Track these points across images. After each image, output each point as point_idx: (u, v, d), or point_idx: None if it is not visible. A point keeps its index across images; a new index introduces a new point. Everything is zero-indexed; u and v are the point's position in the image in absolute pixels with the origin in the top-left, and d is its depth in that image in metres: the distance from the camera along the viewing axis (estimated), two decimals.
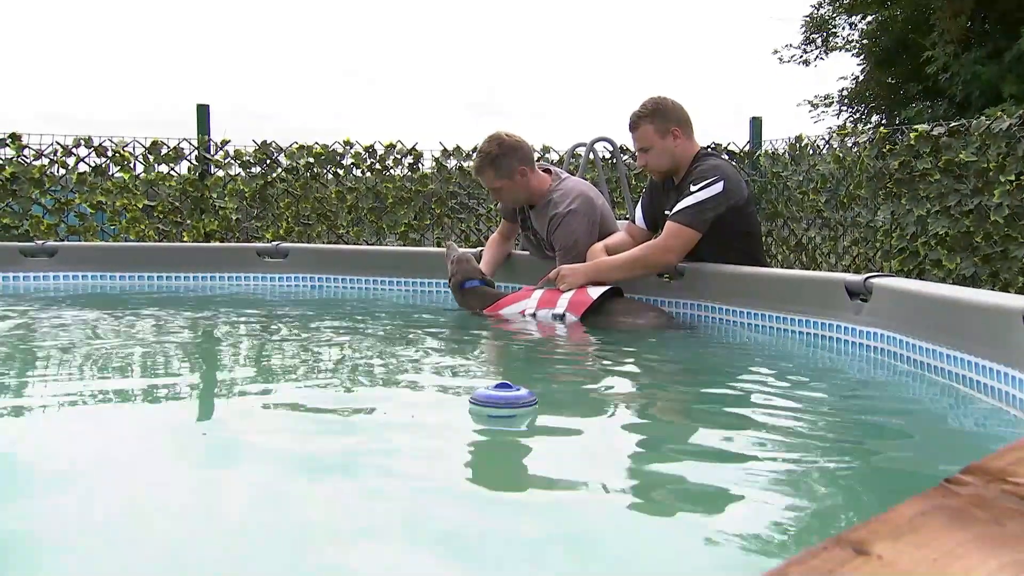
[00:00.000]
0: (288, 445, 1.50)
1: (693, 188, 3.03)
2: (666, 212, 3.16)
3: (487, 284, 3.38)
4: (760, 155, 6.87)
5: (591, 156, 5.31)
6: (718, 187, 3.02)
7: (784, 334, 2.74)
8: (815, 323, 2.66)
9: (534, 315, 3.09)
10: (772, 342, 2.73)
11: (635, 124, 3.20)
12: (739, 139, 6.96)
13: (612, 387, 2.12)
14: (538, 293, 3.14)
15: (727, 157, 6.07)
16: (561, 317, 3.01)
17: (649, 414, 1.87)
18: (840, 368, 2.42)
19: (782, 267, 6.55)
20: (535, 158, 3.60)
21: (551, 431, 1.63)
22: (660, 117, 3.16)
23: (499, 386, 1.59)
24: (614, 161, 6.34)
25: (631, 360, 2.50)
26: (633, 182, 6.75)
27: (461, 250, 3.49)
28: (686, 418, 1.84)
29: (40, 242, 4.41)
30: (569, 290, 3.08)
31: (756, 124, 7.01)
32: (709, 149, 3.35)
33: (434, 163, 6.65)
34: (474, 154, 6.71)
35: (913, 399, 2.10)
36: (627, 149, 6.79)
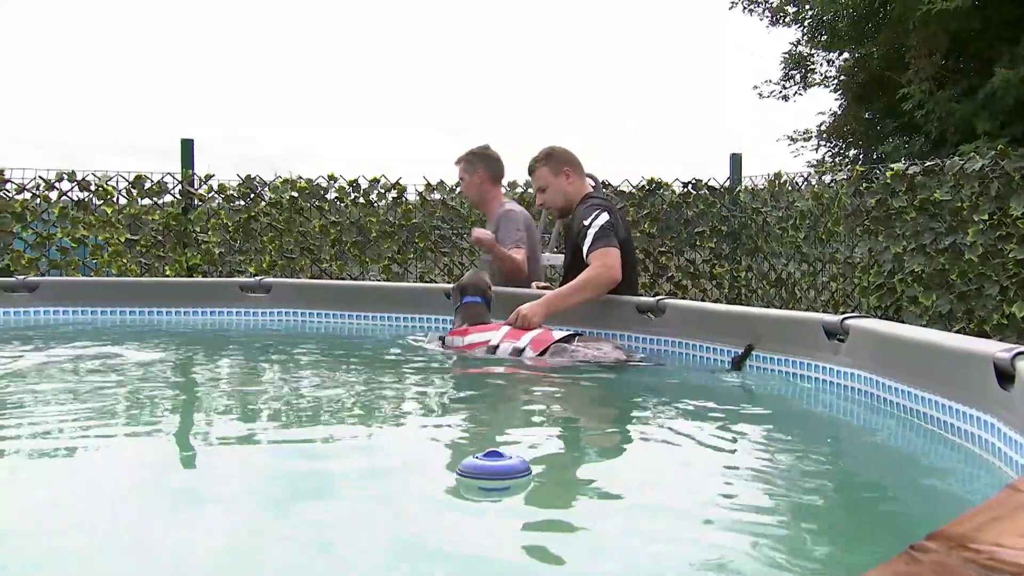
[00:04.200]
0: (263, 489, 1.49)
1: (586, 223, 3.38)
2: (564, 247, 3.66)
3: (487, 301, 3.42)
4: (740, 191, 6.95)
5: None
6: (604, 216, 3.38)
7: (763, 372, 2.77)
8: (794, 362, 2.68)
9: (496, 347, 3.13)
10: (751, 380, 2.75)
11: (533, 168, 3.67)
12: (719, 174, 7.05)
13: (594, 438, 2.13)
14: (506, 328, 3.21)
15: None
16: (521, 351, 3.07)
17: (625, 466, 1.88)
18: (817, 408, 2.44)
19: (762, 301, 6.60)
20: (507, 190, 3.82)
21: (545, 500, 1.51)
22: (553, 160, 3.62)
23: (489, 454, 1.48)
24: None
25: (601, 403, 2.51)
26: None
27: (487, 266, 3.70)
28: (658, 462, 1.85)
29: (21, 277, 4.38)
30: (531, 329, 3.16)
31: (736, 160, 7.10)
32: (600, 187, 3.83)
33: (418, 197, 6.68)
34: (458, 188, 6.78)
35: (888, 443, 2.12)
36: (608, 184, 6.86)
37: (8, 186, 5.90)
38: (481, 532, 1.35)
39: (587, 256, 3.33)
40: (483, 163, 4.17)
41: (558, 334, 3.09)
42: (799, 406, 2.50)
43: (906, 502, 1.62)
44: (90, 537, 1.29)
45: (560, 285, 3.58)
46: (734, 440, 1.97)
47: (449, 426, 2.21)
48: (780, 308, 6.46)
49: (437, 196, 6.72)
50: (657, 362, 3.06)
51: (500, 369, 3.00)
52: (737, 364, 2.82)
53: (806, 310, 6.31)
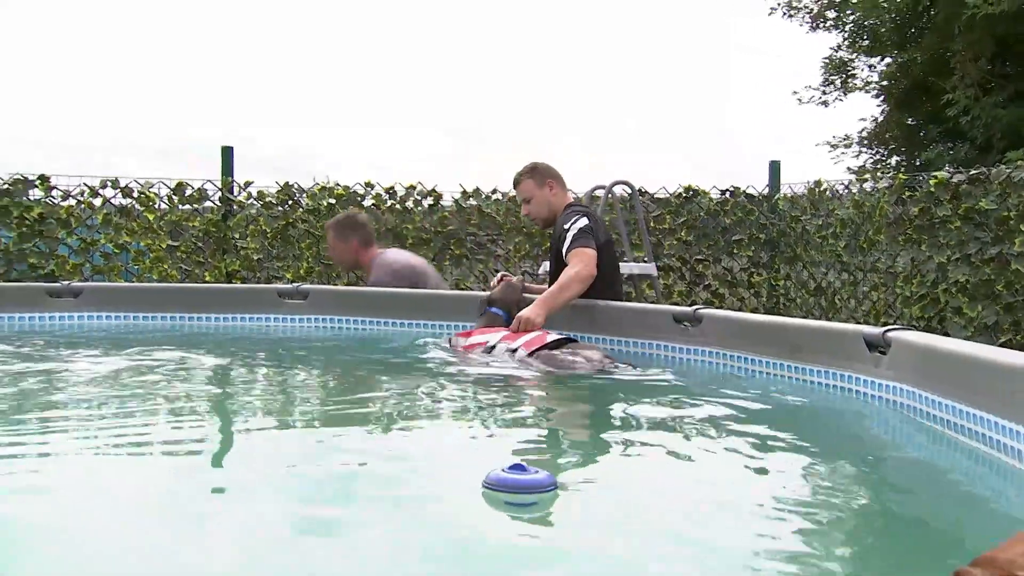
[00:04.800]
0: (290, 495, 1.52)
1: (566, 227, 3.65)
2: (559, 247, 3.85)
3: (509, 317, 3.53)
4: (779, 199, 6.88)
5: (609, 198, 5.35)
6: (583, 220, 3.64)
7: (801, 384, 2.73)
8: (833, 374, 2.64)
9: (492, 348, 3.28)
10: (788, 392, 2.72)
11: (518, 181, 3.91)
12: (758, 182, 6.99)
13: (622, 451, 2.11)
14: (505, 331, 3.38)
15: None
16: (514, 352, 3.20)
17: (663, 481, 1.86)
18: (858, 423, 2.40)
19: (801, 311, 6.52)
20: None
21: (571, 517, 1.50)
22: (538, 174, 3.88)
23: (515, 467, 1.46)
24: (632, 204, 6.37)
25: (629, 413, 2.49)
26: (652, 224, 6.78)
27: (516, 279, 3.84)
28: (688, 477, 1.83)
29: (66, 282, 4.49)
30: (531, 332, 3.31)
31: (775, 168, 7.03)
32: (576, 202, 4.16)
33: (454, 203, 6.72)
34: (493, 195, 6.82)
35: (931, 461, 2.07)
36: (645, 191, 6.83)
37: (54, 192, 6.04)
38: (506, 547, 1.34)
39: (566, 255, 3.58)
40: (355, 233, 4.59)
41: (551, 338, 3.21)
42: (838, 420, 2.46)
43: (950, 524, 1.58)
44: (124, 540, 1.32)
45: (548, 284, 3.78)
46: (767, 454, 1.94)
47: (478, 437, 2.21)
48: (819, 318, 6.38)
49: (473, 203, 6.75)
50: (630, 363, 3.12)
51: (491, 369, 3.06)
52: None
53: (846, 319, 6.22)
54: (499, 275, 4.04)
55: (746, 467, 1.85)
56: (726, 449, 2.02)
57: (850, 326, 2.72)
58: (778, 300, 6.82)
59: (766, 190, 6.96)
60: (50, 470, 1.75)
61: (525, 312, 3.39)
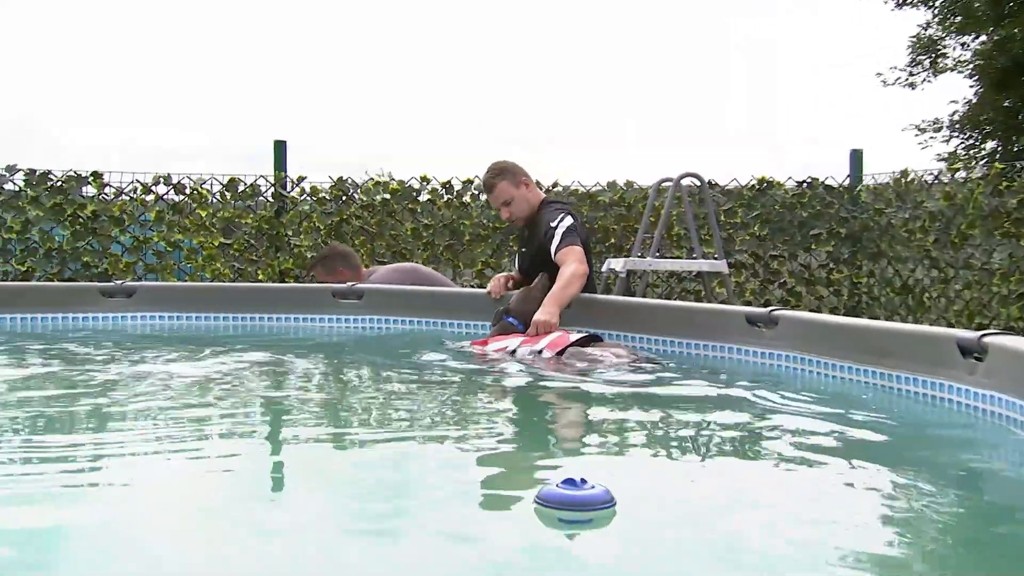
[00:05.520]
0: (338, 502, 1.57)
1: (553, 224, 3.80)
2: (522, 249, 4.12)
3: (524, 328, 3.60)
4: (861, 190, 6.73)
5: (677, 192, 5.31)
6: (569, 219, 3.83)
7: (887, 392, 2.67)
8: (922, 381, 2.58)
9: (515, 351, 3.37)
10: (872, 400, 2.66)
11: (492, 185, 3.99)
12: (837, 172, 6.85)
13: (684, 462, 2.09)
14: (521, 337, 3.48)
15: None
16: (539, 352, 3.30)
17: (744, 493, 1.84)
18: (950, 435, 2.33)
19: (885, 311, 6.38)
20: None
21: (630, 537, 1.45)
22: (510, 174, 3.98)
23: (568, 482, 1.42)
24: (702, 197, 6.31)
25: (687, 421, 2.47)
26: (722, 218, 6.70)
27: (539, 287, 3.75)
28: (767, 489, 1.81)
29: (119, 282, 4.64)
30: (550, 333, 3.40)
31: (856, 157, 6.88)
32: (552, 197, 4.46)
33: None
34: (555, 188, 6.81)
35: None
36: (715, 183, 6.75)
37: (107, 190, 6.25)
38: (559, 570, 1.32)
39: (556, 253, 3.74)
40: (338, 261, 4.81)
41: (573, 336, 3.31)
42: (927, 432, 2.40)
43: None
44: (176, 543, 1.38)
45: (524, 282, 3.96)
46: (848, 470, 1.90)
47: (529, 448, 2.21)
48: (906, 318, 6.23)
49: None
50: (657, 362, 3.22)
51: (533, 373, 3.08)
52: None
53: (936, 320, 6.06)
54: (503, 276, 4.17)
55: (824, 484, 1.82)
56: (802, 463, 1.98)
57: (942, 330, 2.65)
58: (860, 299, 6.68)
59: (847, 181, 6.82)
60: (104, 473, 1.83)
61: (539, 315, 3.49)
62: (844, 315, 6.26)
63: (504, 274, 4.26)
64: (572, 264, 3.68)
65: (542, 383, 3.01)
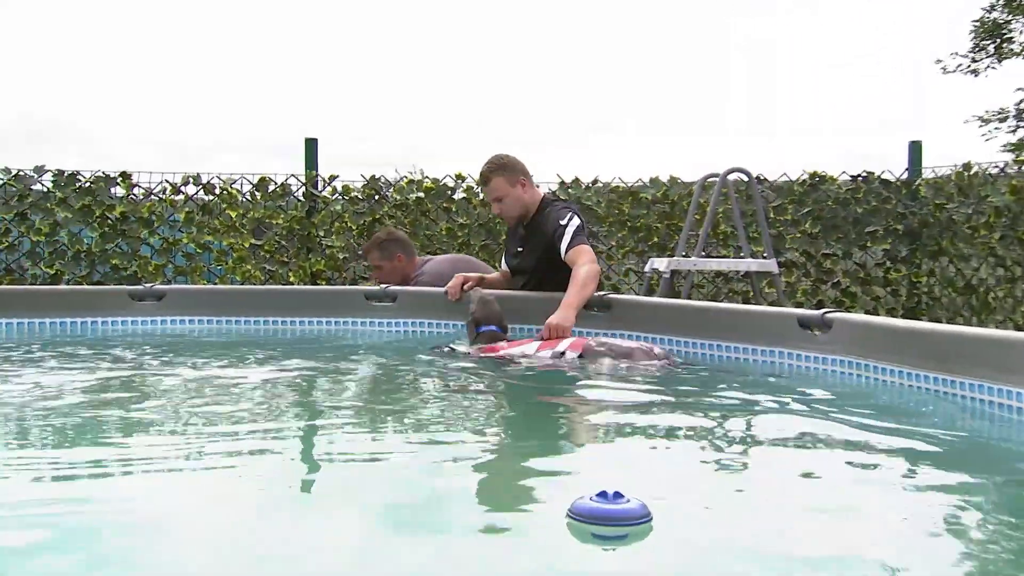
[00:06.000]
0: (370, 518, 1.58)
1: (562, 223, 3.86)
2: (519, 248, 4.13)
3: (503, 331, 3.62)
4: (920, 184, 6.60)
5: (723, 188, 5.24)
6: (577, 219, 3.89)
7: (951, 399, 2.59)
8: (988, 388, 2.50)
9: (535, 355, 3.36)
10: (933, 408, 2.59)
11: (487, 179, 4.03)
12: (894, 165, 6.72)
13: (725, 473, 2.04)
14: (539, 342, 3.45)
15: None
16: (561, 355, 3.31)
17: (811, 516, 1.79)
18: (1020, 451, 2.26)
19: (947, 312, 6.24)
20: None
21: (667, 554, 1.42)
22: (508, 170, 3.99)
23: (602, 495, 1.41)
24: (749, 193, 6.23)
25: (726, 428, 2.41)
26: (772, 215, 6.60)
27: (484, 291, 3.86)
28: (817, 504, 1.75)
29: (148, 285, 4.69)
30: (566, 337, 3.43)
31: (915, 149, 6.75)
32: (553, 196, 4.47)
33: (551, 195, 6.71)
34: (594, 185, 6.78)
35: None
36: (763, 179, 6.66)
37: (136, 191, 6.33)
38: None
39: (566, 252, 3.79)
40: (399, 247, 4.80)
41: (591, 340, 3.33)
42: (997, 444, 2.33)
43: None
44: (210, 546, 1.41)
45: (527, 282, 4.06)
46: (909, 483, 1.85)
47: (562, 458, 2.17)
48: (969, 320, 6.09)
49: (572, 193, 6.72)
50: (669, 356, 3.28)
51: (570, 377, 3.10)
52: None
53: (1002, 322, 5.91)
54: (461, 277, 4.13)
55: (881, 499, 1.77)
56: (858, 478, 1.92)
57: (1015, 334, 2.57)
58: (919, 299, 6.54)
59: (905, 174, 6.69)
60: (135, 479, 1.86)
61: (555, 319, 3.49)
62: (902, 317, 6.15)
63: (462, 275, 4.19)
64: (586, 264, 3.71)
65: (574, 389, 3.01)
